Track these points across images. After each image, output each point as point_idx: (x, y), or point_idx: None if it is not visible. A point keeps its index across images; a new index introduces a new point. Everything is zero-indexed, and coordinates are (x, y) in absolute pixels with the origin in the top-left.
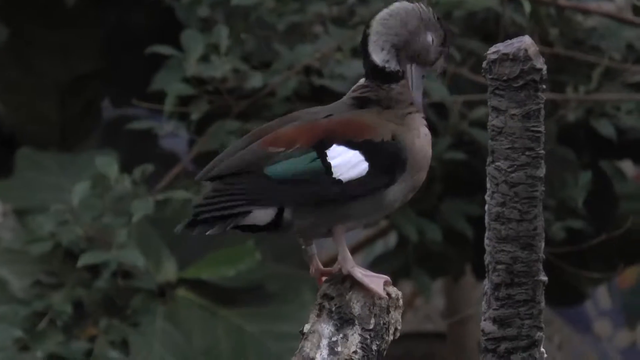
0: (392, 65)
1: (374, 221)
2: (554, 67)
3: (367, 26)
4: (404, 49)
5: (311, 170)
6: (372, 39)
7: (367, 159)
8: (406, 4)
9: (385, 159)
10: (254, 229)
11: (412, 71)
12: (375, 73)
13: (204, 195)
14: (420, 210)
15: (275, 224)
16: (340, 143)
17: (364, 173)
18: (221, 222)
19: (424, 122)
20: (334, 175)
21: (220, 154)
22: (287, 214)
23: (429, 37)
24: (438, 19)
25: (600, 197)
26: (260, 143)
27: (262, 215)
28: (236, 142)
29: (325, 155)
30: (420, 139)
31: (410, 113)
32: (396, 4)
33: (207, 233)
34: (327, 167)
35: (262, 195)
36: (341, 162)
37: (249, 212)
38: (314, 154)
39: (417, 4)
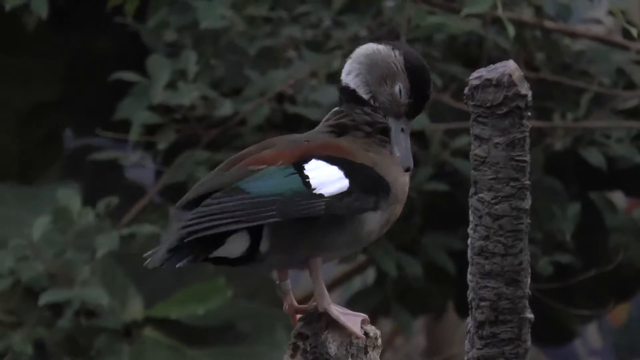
0: (362, 92)
1: (349, 254)
2: (540, 93)
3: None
4: (373, 92)
5: (288, 183)
6: (350, 62)
7: (346, 176)
8: (385, 49)
9: (367, 180)
10: (227, 261)
11: (390, 124)
12: (347, 95)
13: (186, 218)
14: (400, 245)
15: (249, 256)
16: (318, 158)
17: (344, 188)
18: (192, 253)
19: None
20: (314, 190)
21: (198, 182)
22: (262, 246)
23: (396, 89)
24: (409, 69)
25: (590, 230)
26: (242, 165)
27: (236, 245)
28: (212, 172)
29: (303, 168)
30: (400, 170)
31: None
32: (379, 47)
33: (177, 265)
34: (305, 179)
35: (244, 213)
36: (319, 175)
37: (222, 242)
38: (291, 169)
39: (395, 51)
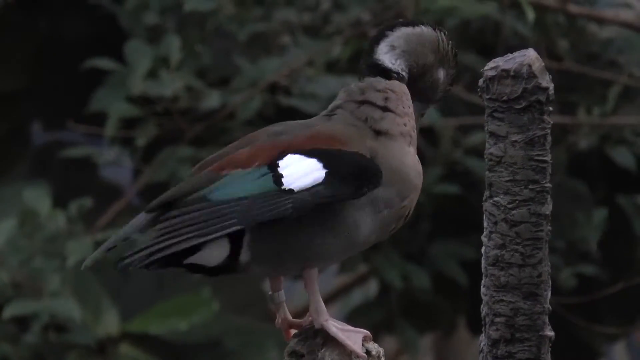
0: (401, 70)
1: (347, 257)
2: (563, 85)
3: (383, 30)
4: (413, 79)
5: (258, 185)
6: (389, 42)
7: (325, 166)
8: (431, 31)
9: (349, 167)
10: (203, 269)
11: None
12: (376, 71)
13: (149, 237)
14: (406, 253)
15: (229, 265)
16: (295, 152)
17: (319, 180)
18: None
19: (412, 148)
20: (284, 186)
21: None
22: (243, 255)
23: (440, 74)
24: (455, 54)
25: (618, 238)
26: (214, 168)
27: (213, 254)
28: (188, 174)
29: (277, 166)
30: (409, 157)
31: (401, 134)
32: (424, 29)
33: (146, 269)
34: (278, 178)
35: (202, 225)
36: (293, 171)
37: (197, 249)
38: (264, 169)
39: (440, 33)
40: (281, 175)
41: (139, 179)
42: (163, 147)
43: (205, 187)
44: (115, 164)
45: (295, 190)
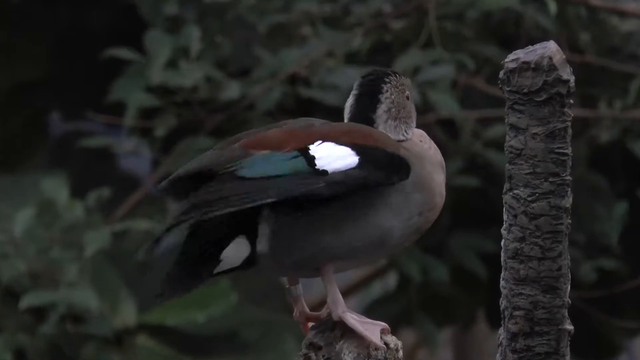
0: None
1: (370, 261)
2: (584, 78)
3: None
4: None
5: (290, 165)
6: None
7: (357, 154)
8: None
9: (382, 157)
10: (227, 270)
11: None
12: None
13: (175, 211)
14: (425, 246)
15: (249, 260)
16: (327, 141)
17: (353, 165)
18: (192, 276)
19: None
20: (317, 166)
21: (189, 163)
22: (260, 245)
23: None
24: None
25: (638, 232)
26: (242, 144)
27: (236, 253)
28: (207, 151)
29: (308, 149)
30: (439, 176)
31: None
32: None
33: (176, 296)
34: (310, 160)
35: (235, 196)
36: (326, 154)
37: (219, 261)
38: (295, 152)
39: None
40: (313, 157)
41: (158, 170)
42: (182, 138)
43: (232, 162)
44: (134, 154)
45: (329, 171)
